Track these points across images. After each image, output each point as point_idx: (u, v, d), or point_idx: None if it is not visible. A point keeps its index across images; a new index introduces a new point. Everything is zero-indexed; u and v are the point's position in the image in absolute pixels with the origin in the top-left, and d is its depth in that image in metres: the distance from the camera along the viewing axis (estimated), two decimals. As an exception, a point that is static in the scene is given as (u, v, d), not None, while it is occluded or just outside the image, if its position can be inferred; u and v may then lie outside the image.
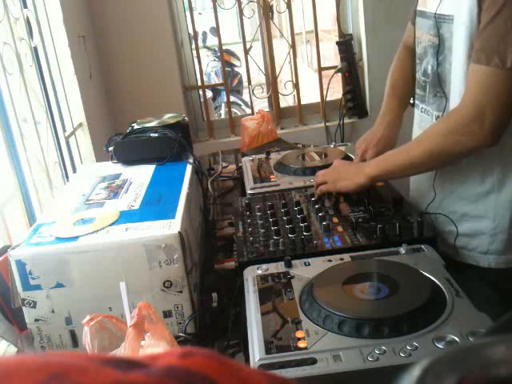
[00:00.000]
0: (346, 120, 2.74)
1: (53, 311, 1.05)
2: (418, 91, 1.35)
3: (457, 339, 0.79)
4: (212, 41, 6.19)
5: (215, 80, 6.16)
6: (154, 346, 0.81)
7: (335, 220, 1.24)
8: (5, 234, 1.48)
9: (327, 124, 2.75)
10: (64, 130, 2.02)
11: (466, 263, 1.25)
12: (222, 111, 5.78)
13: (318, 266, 1.05)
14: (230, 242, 1.30)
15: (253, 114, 2.69)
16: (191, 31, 2.68)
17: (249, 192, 1.50)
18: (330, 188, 1.33)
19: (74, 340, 1.07)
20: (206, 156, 2.16)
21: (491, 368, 0.28)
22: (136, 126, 1.62)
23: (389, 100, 1.49)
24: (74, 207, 1.24)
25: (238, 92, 6.13)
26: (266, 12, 2.67)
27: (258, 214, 1.31)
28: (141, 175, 1.39)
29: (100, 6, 2.50)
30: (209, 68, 6.20)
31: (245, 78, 4.55)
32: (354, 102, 2.69)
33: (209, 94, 5.18)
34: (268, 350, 0.82)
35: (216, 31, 2.74)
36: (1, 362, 0.28)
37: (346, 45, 2.62)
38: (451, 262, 1.09)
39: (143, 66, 2.59)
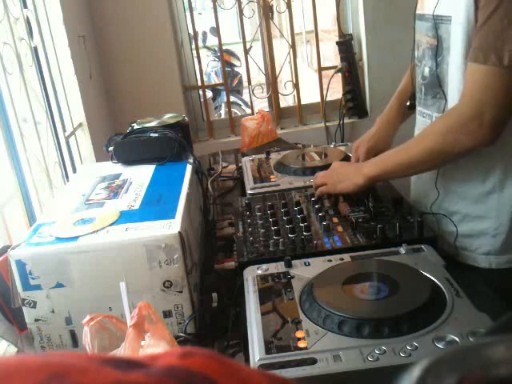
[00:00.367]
0: (346, 120, 2.74)
1: (53, 311, 1.05)
2: (418, 94, 1.34)
3: (457, 339, 0.79)
4: (212, 41, 6.19)
5: (215, 80, 6.16)
6: (154, 346, 0.81)
7: (335, 220, 1.25)
8: (5, 234, 1.48)
9: (327, 124, 2.75)
10: (64, 130, 2.02)
11: (466, 264, 1.25)
12: (222, 111, 5.78)
13: (317, 266, 1.05)
14: (230, 242, 1.30)
15: (253, 113, 2.69)
16: (191, 31, 2.68)
17: (249, 192, 1.50)
18: (330, 190, 1.33)
19: (74, 340, 1.07)
20: (205, 156, 2.16)
21: (491, 368, 0.28)
22: (136, 126, 1.62)
23: (392, 101, 1.52)
24: (73, 207, 1.24)
25: (237, 92, 6.13)
26: (266, 12, 2.67)
27: (258, 214, 1.31)
28: (141, 175, 1.39)
29: (100, 6, 2.50)
30: (209, 68, 6.20)
31: (245, 78, 4.55)
32: (354, 102, 2.69)
33: (209, 94, 5.18)
34: (268, 350, 0.82)
35: (216, 31, 2.74)
36: (1, 362, 0.28)
37: (346, 45, 2.62)
38: (451, 262, 1.09)
39: (143, 65, 2.59)
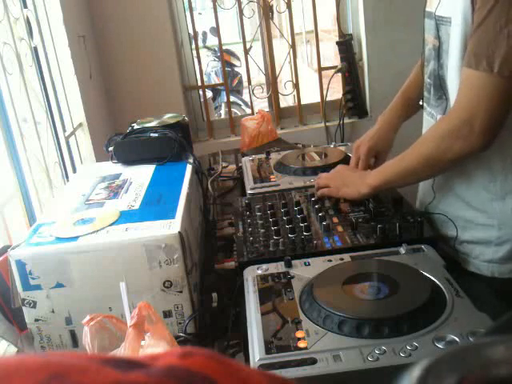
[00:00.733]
0: (346, 120, 2.74)
1: (53, 311, 1.05)
2: (425, 94, 1.33)
3: (457, 339, 0.79)
4: (212, 41, 6.19)
5: (215, 80, 6.16)
6: (154, 346, 0.81)
7: (335, 220, 1.24)
8: (5, 234, 1.48)
9: (327, 124, 2.75)
10: (64, 130, 2.03)
11: (468, 270, 1.22)
12: (222, 111, 5.78)
13: (317, 266, 1.05)
14: (230, 242, 1.30)
15: (253, 113, 2.69)
16: (191, 31, 2.69)
17: (249, 192, 1.50)
18: (333, 193, 1.32)
19: (74, 340, 1.07)
20: (205, 156, 2.16)
21: (491, 368, 0.28)
22: (136, 126, 1.62)
23: (394, 100, 1.50)
24: (73, 207, 1.24)
25: (238, 92, 6.13)
26: (266, 12, 2.67)
27: (258, 214, 1.31)
28: (141, 175, 1.39)
29: (100, 6, 2.51)
30: (209, 68, 6.20)
31: (245, 78, 4.55)
32: (354, 102, 2.69)
33: (209, 94, 5.18)
34: (268, 350, 0.82)
35: (216, 31, 2.74)
36: (1, 362, 0.28)
37: (346, 45, 2.62)
38: (452, 263, 1.08)
39: (143, 65, 2.59)
